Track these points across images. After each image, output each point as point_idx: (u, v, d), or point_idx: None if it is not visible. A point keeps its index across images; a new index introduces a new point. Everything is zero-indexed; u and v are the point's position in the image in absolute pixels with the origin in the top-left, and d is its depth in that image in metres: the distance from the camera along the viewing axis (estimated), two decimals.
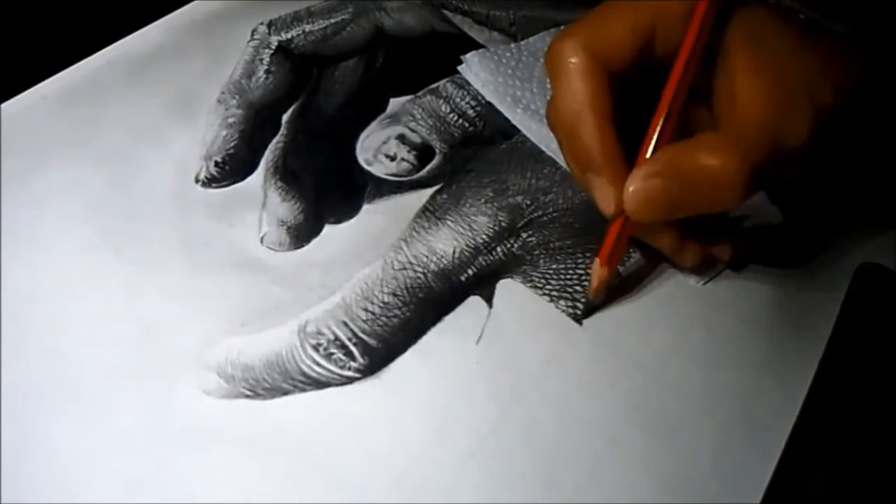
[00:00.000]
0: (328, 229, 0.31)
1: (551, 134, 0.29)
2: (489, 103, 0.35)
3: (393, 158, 0.33)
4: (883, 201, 0.32)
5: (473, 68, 0.35)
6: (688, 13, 0.26)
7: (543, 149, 0.33)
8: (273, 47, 0.37)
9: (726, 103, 0.26)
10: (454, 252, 0.30)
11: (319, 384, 0.26)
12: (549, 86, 0.29)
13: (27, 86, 0.34)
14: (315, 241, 0.30)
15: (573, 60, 0.26)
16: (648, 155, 0.26)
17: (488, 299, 0.29)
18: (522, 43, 0.36)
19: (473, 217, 0.31)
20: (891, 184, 0.32)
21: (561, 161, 0.32)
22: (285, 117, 0.34)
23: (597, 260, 0.27)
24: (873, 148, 0.31)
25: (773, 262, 0.31)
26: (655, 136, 0.26)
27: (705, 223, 0.28)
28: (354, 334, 0.27)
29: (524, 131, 0.34)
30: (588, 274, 0.29)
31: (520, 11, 0.39)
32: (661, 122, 0.26)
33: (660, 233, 0.28)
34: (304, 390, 0.26)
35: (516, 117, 0.34)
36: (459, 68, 0.36)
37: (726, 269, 0.30)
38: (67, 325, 0.27)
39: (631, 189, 0.25)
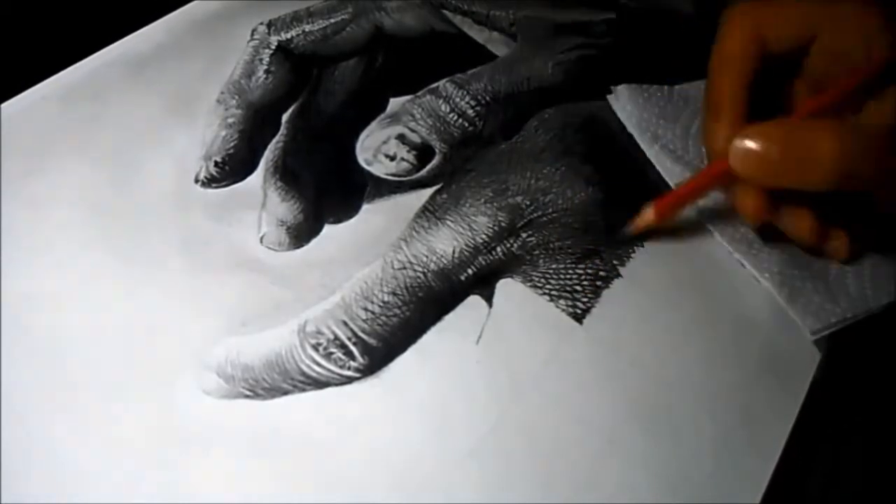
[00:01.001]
0: (328, 229, 0.31)
1: (682, 171, 0.33)
2: (489, 103, 0.35)
3: (393, 158, 0.33)
4: None
5: (621, 100, 0.36)
6: (857, 34, 0.28)
7: (672, 185, 0.33)
8: (273, 47, 0.36)
9: (872, 114, 0.28)
10: (454, 252, 0.30)
11: (319, 384, 0.26)
12: (692, 131, 0.34)
13: (27, 86, 0.34)
14: (315, 241, 0.30)
15: (742, 25, 0.29)
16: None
17: (488, 299, 0.29)
18: (677, 87, 0.36)
19: (473, 217, 0.31)
20: None
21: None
22: (285, 117, 0.34)
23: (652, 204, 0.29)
24: None
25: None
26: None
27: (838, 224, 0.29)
28: (354, 334, 0.27)
29: (657, 167, 0.34)
30: (588, 274, 0.29)
31: (520, 11, 0.39)
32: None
33: (798, 216, 0.29)
34: (303, 390, 0.26)
35: (652, 152, 0.34)
36: (608, 97, 0.36)
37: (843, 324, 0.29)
38: (67, 325, 0.27)
39: (736, 141, 0.27)
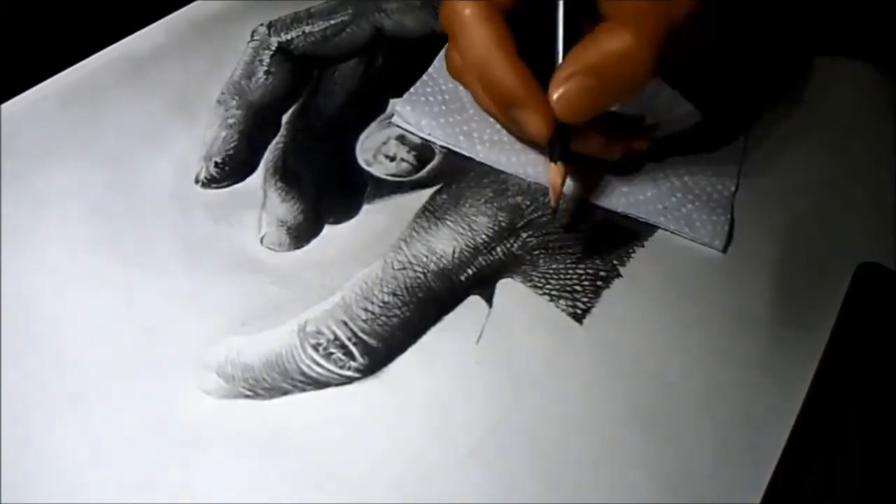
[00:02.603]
0: (328, 229, 0.31)
1: (526, 158, 0.31)
2: None
3: (393, 159, 0.33)
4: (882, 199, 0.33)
5: (408, 118, 0.33)
6: None
7: (522, 177, 0.32)
8: (273, 48, 0.37)
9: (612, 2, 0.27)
10: (454, 252, 0.30)
11: (319, 384, 0.26)
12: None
13: (27, 86, 0.34)
14: (315, 242, 0.30)
15: (468, 11, 0.27)
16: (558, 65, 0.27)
17: (488, 299, 0.29)
18: (430, 70, 0.35)
19: (473, 217, 0.31)
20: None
21: (535, 178, 0.32)
22: (285, 118, 0.34)
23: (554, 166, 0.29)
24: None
25: (691, 150, 0.33)
26: (560, 51, 0.28)
27: (624, 129, 0.31)
28: (354, 334, 0.27)
29: (495, 166, 0.32)
30: (588, 274, 0.30)
31: None
32: (561, 36, 0.28)
33: (588, 139, 0.30)
34: (303, 390, 0.26)
35: (480, 154, 0.33)
36: (393, 121, 0.34)
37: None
38: (67, 325, 0.27)
39: (555, 96, 0.26)
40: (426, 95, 0.34)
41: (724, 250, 0.31)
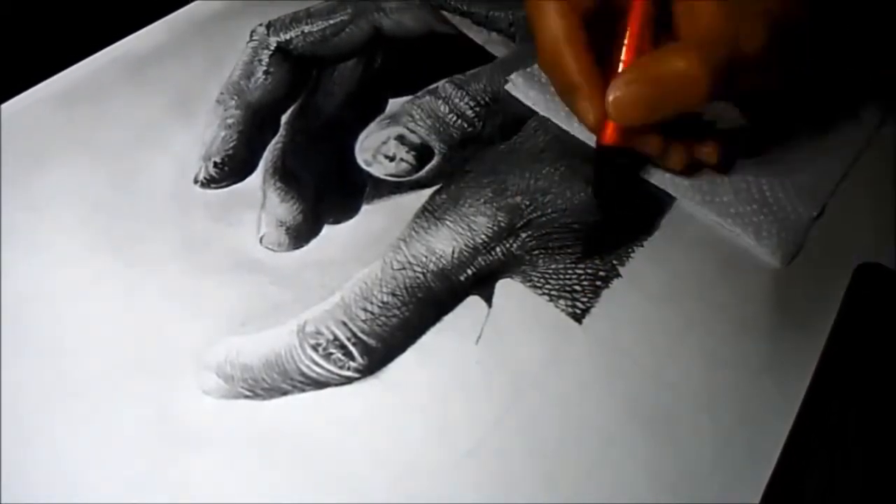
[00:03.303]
0: (327, 230, 0.31)
1: None
2: (488, 103, 0.35)
3: (392, 159, 0.33)
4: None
5: (521, 87, 0.36)
6: None
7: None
8: (272, 48, 0.37)
9: (686, 22, 0.29)
10: (453, 252, 0.30)
11: (318, 384, 0.26)
12: None
13: (27, 86, 0.34)
14: (314, 242, 0.30)
15: (545, 6, 0.30)
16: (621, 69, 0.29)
17: (488, 299, 0.29)
18: None
19: (472, 217, 0.31)
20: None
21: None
22: (284, 118, 0.34)
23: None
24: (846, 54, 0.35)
25: (755, 154, 0.34)
26: (626, 54, 0.29)
27: (688, 131, 0.31)
28: (353, 334, 0.27)
29: (586, 140, 0.34)
30: (588, 274, 0.30)
31: (519, 12, 0.39)
32: (630, 42, 0.29)
33: (646, 138, 0.31)
34: (303, 390, 0.26)
35: (574, 129, 0.35)
36: (507, 87, 0.36)
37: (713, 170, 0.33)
38: (67, 325, 0.27)
39: (611, 98, 0.28)
40: (538, 76, 0.36)
41: (787, 264, 0.31)
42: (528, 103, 0.36)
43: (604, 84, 0.29)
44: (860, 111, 0.37)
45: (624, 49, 0.29)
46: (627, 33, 0.29)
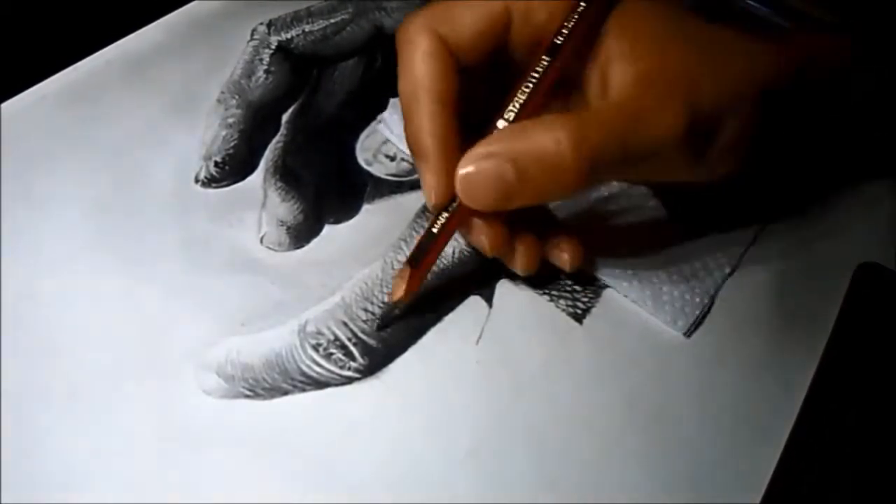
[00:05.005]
0: (328, 229, 0.31)
1: None
2: None
3: (393, 158, 0.33)
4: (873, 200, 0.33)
5: (393, 127, 0.33)
6: (551, 7, 0.24)
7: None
8: (273, 47, 0.37)
9: (595, 88, 0.24)
10: (454, 252, 0.30)
11: (319, 384, 0.26)
12: None
13: (27, 86, 0.34)
14: (315, 242, 0.30)
15: (416, 41, 0.24)
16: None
17: (488, 299, 0.29)
18: None
19: None
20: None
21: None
22: (285, 117, 0.34)
23: (405, 267, 0.25)
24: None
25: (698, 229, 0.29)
26: (496, 118, 0.24)
27: (549, 219, 0.26)
28: (354, 334, 0.27)
29: None
30: (588, 274, 0.29)
31: None
32: (508, 100, 0.24)
33: (486, 227, 0.25)
34: (303, 390, 0.26)
35: None
36: (378, 128, 0.34)
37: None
38: (67, 325, 0.27)
39: (461, 171, 0.23)
40: None
41: (688, 335, 0.28)
42: (395, 141, 0.33)
43: (458, 156, 0.23)
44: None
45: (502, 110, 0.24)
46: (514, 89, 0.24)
